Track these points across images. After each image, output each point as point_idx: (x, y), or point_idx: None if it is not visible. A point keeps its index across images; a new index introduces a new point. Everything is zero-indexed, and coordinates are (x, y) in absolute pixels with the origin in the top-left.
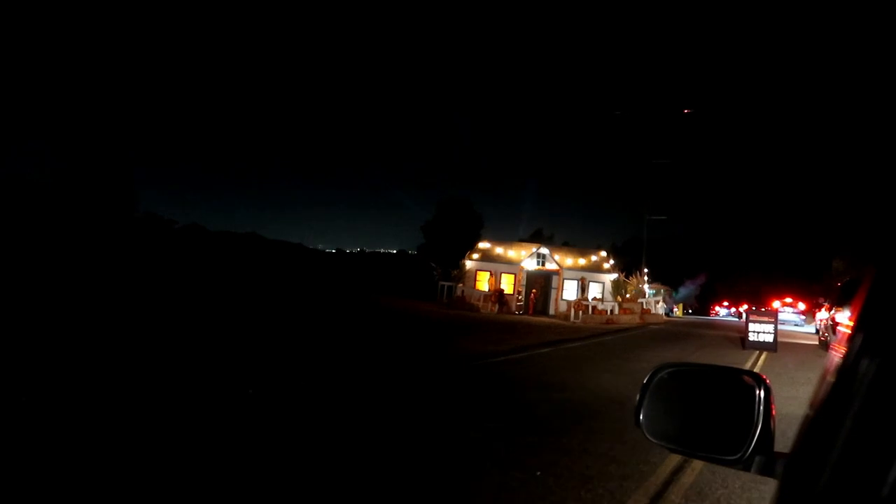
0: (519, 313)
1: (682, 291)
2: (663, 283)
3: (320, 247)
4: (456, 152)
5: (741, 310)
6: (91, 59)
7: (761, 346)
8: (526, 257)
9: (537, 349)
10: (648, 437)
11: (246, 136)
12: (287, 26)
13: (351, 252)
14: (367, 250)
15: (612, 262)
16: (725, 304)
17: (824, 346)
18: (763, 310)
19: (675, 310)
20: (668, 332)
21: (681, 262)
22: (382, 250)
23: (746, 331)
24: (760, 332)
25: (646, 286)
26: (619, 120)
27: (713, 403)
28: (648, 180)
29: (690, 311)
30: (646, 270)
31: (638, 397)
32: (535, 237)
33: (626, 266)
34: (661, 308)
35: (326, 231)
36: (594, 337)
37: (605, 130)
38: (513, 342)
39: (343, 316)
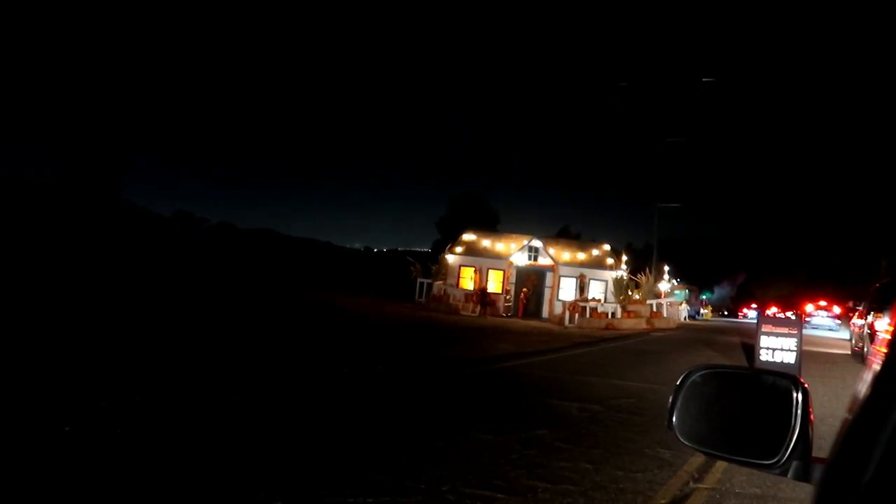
0: (507, 315)
1: (717, 292)
2: (691, 283)
3: (357, 245)
4: (477, 151)
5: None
6: (105, 59)
7: (778, 370)
8: (515, 251)
9: (460, 369)
10: (681, 439)
11: (281, 137)
12: (306, 27)
13: (379, 251)
14: (401, 249)
15: (624, 257)
16: (754, 306)
17: (859, 357)
18: (782, 316)
19: (703, 312)
20: (668, 342)
21: (716, 262)
22: (419, 249)
23: (756, 346)
24: (777, 348)
25: (665, 286)
26: (644, 106)
27: (748, 406)
28: (659, 162)
29: (726, 312)
30: (666, 268)
31: (671, 399)
32: (562, 235)
33: (670, 269)
34: (683, 311)
35: (364, 230)
36: (565, 349)
37: (625, 117)
38: (442, 355)
39: (269, 320)
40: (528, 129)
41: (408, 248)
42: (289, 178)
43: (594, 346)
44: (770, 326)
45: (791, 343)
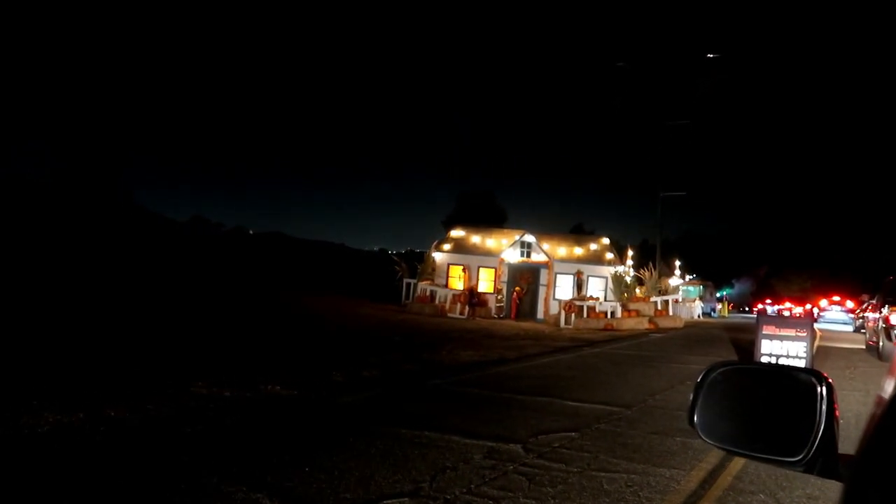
0: (499, 317)
1: (738, 287)
2: (708, 278)
3: (374, 248)
4: (489, 150)
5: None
6: (117, 66)
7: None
8: (507, 247)
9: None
10: (703, 437)
11: (299, 144)
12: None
13: (397, 252)
14: (418, 250)
15: (630, 252)
16: (768, 301)
17: (874, 352)
18: (789, 314)
19: (719, 308)
20: (664, 346)
21: (737, 257)
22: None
23: (755, 353)
24: (781, 355)
25: (676, 281)
26: (656, 99)
27: (771, 403)
28: (668, 151)
29: (746, 309)
30: (677, 263)
31: (691, 397)
32: (575, 233)
33: (683, 266)
34: (697, 307)
35: (380, 232)
36: (538, 357)
37: (636, 110)
38: (374, 369)
39: (214, 325)
40: (540, 127)
41: (425, 250)
42: (306, 183)
43: (577, 351)
44: (773, 328)
45: (800, 348)
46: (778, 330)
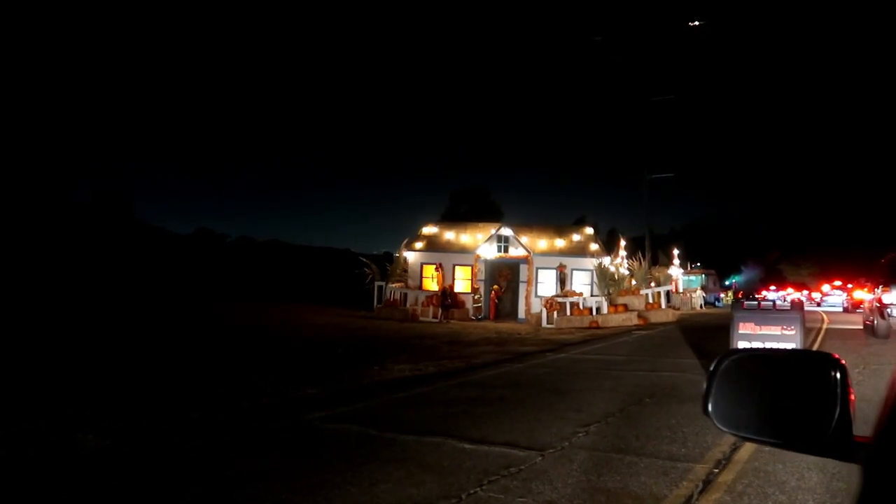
0: (477, 318)
1: (746, 275)
2: (712, 266)
3: (382, 251)
4: (485, 148)
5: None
6: (120, 80)
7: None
8: (483, 242)
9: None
10: (718, 425)
11: (304, 150)
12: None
13: (398, 254)
14: None
15: (623, 242)
16: (772, 288)
17: (870, 331)
18: (771, 301)
19: (723, 297)
20: (641, 348)
21: (747, 244)
22: None
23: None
24: None
25: (676, 271)
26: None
27: (786, 388)
28: (646, 126)
29: (754, 296)
30: (676, 252)
31: (705, 385)
32: (577, 226)
33: (688, 255)
34: (698, 298)
35: (385, 235)
36: (484, 368)
37: (643, 100)
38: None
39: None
40: (542, 123)
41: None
42: (311, 190)
43: (536, 358)
44: (751, 325)
45: (790, 345)
46: (758, 328)
